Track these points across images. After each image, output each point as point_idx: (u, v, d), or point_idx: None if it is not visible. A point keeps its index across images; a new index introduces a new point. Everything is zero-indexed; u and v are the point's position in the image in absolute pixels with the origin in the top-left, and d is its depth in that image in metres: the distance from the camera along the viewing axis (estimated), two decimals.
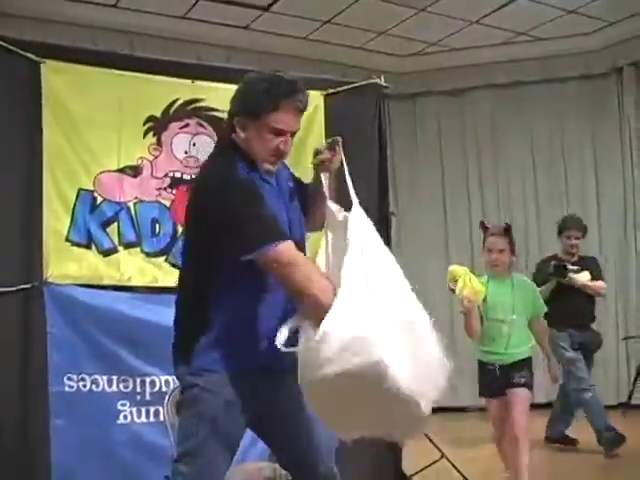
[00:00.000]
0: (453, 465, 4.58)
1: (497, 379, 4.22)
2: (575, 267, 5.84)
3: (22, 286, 3.82)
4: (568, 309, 5.73)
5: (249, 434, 4.40)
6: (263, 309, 2.52)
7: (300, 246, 2.53)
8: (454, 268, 4.10)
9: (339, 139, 2.72)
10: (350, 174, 4.90)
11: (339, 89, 4.95)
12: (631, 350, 7.99)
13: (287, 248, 2.41)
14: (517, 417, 4.11)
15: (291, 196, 2.72)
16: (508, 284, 4.29)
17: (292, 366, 2.38)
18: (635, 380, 7.56)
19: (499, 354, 4.22)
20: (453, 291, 4.04)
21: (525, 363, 4.21)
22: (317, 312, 2.33)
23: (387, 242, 4.97)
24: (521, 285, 4.36)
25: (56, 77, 4.00)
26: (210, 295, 2.51)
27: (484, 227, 4.44)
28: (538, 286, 5.80)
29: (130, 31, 6.70)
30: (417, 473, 4.81)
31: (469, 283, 4.00)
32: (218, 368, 2.49)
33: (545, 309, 4.43)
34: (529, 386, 4.19)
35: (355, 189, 5.00)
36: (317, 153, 2.72)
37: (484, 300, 4.19)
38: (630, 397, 7.52)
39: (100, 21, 6.60)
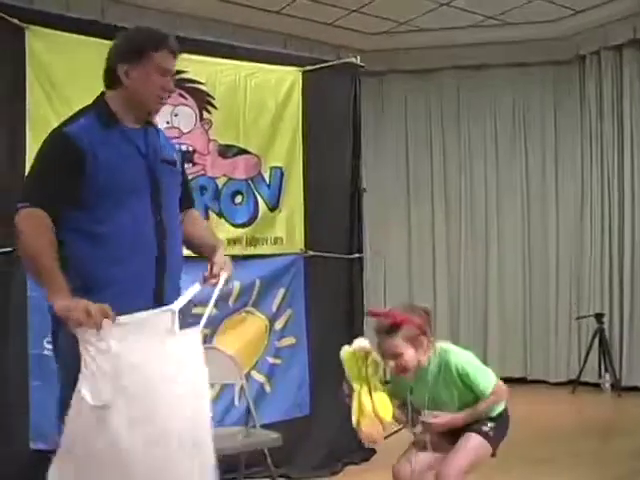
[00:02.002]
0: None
1: None
2: None
3: (2, 249, 3.82)
4: None
5: (225, 399, 4.53)
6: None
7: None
8: (346, 354, 2.99)
9: None
10: (325, 150, 5.02)
11: (316, 66, 5.05)
12: None
13: (26, 215, 2.38)
14: (458, 459, 3.07)
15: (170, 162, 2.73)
16: (427, 376, 3.12)
17: None
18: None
19: None
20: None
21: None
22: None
23: (358, 218, 5.16)
24: (446, 370, 3.11)
25: (40, 43, 4.00)
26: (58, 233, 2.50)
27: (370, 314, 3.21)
28: None
29: None
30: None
31: (368, 401, 2.96)
32: None
33: (491, 388, 3.09)
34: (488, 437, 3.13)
35: (329, 165, 5.12)
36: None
37: (410, 392, 3.16)
38: None
39: None
